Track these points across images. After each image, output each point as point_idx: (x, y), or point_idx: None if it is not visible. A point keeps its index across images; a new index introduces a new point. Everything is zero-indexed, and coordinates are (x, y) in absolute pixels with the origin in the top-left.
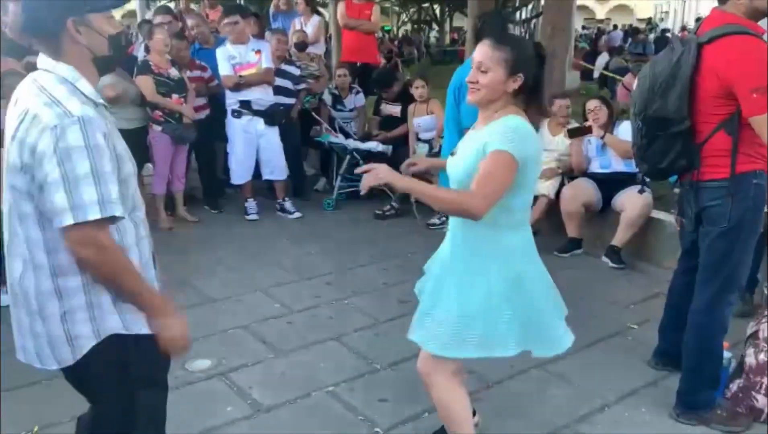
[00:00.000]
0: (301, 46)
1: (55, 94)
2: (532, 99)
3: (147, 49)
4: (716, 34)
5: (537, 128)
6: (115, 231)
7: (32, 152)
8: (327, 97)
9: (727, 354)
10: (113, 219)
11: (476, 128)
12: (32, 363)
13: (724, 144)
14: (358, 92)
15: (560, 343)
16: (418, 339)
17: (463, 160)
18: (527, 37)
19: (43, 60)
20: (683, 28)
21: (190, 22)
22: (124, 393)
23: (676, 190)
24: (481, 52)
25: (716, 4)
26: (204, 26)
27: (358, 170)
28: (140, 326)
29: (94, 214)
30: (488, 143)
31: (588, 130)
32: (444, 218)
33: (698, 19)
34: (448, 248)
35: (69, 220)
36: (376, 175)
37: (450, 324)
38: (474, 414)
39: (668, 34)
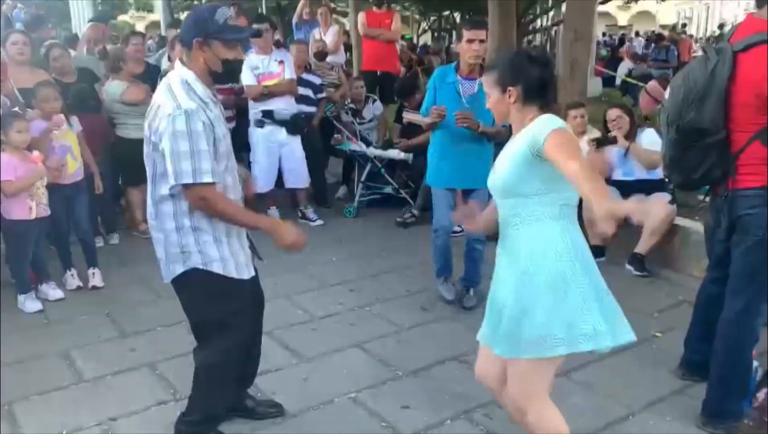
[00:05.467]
0: (321, 55)
1: (175, 91)
2: (543, 100)
3: (170, 59)
4: (751, 42)
5: None
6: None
7: (156, 131)
8: (347, 110)
9: (754, 363)
10: (203, 184)
11: (512, 140)
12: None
13: (759, 153)
14: (374, 101)
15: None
16: (508, 354)
17: (504, 167)
18: (548, 44)
19: (178, 66)
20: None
21: None
22: (205, 316)
23: (700, 197)
24: (483, 80)
25: (737, 8)
26: None
27: None
28: (217, 266)
29: (188, 180)
30: (536, 137)
31: (613, 141)
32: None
33: (721, 26)
34: (503, 261)
35: (171, 181)
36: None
37: (532, 326)
38: None
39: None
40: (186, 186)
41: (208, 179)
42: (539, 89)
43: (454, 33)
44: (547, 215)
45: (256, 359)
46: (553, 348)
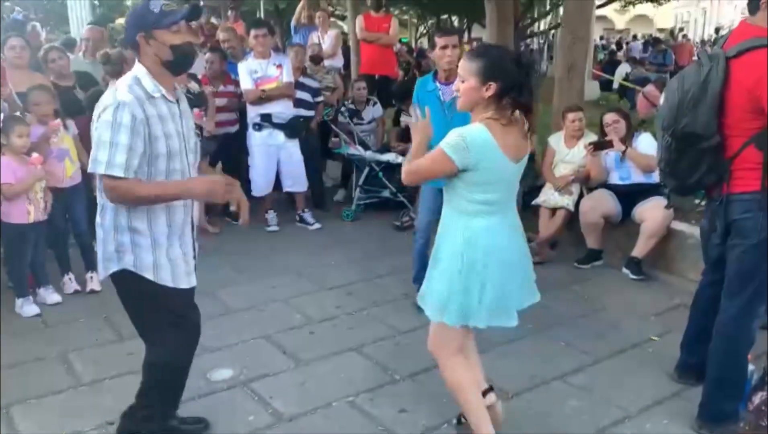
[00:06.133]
0: (316, 59)
1: (119, 86)
2: (516, 102)
3: None
4: (744, 48)
5: (531, 129)
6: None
7: (92, 123)
8: (344, 112)
9: (750, 366)
10: (112, 177)
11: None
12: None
13: (754, 157)
14: (375, 103)
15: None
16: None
17: None
18: (546, 47)
19: (135, 64)
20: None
21: (221, 36)
22: (140, 318)
23: (696, 201)
24: (461, 64)
25: (733, 12)
26: (235, 41)
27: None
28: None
29: (99, 170)
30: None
31: (610, 144)
32: None
33: (717, 30)
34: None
35: (89, 168)
36: (415, 128)
37: (433, 292)
38: (491, 389)
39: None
40: (101, 176)
41: (118, 172)
42: (515, 94)
43: None
44: (462, 207)
45: (183, 383)
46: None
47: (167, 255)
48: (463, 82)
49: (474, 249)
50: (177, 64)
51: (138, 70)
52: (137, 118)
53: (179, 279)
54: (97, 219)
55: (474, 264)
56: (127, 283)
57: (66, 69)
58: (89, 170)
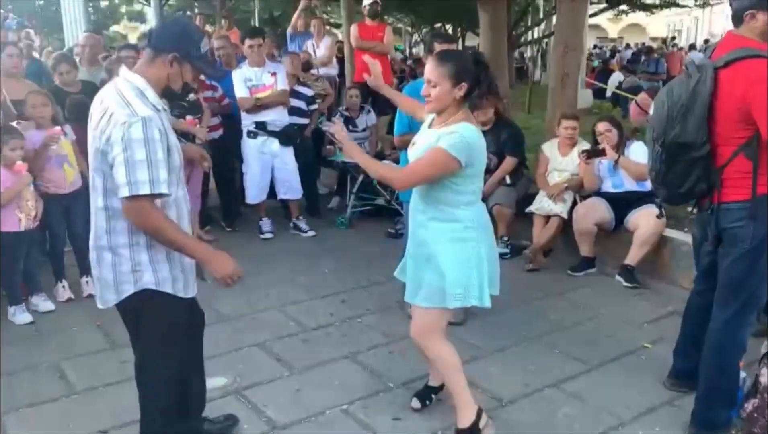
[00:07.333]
0: (305, 66)
1: (127, 98)
2: (482, 96)
3: None
4: (731, 58)
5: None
6: (168, 206)
7: (107, 140)
8: (339, 120)
9: (742, 374)
10: (161, 195)
11: (433, 126)
12: (99, 304)
13: (744, 166)
14: (369, 111)
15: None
16: (417, 302)
17: (418, 150)
18: (539, 55)
19: (125, 72)
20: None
21: (215, 43)
22: (143, 342)
23: (689, 209)
24: (429, 70)
25: (728, 22)
26: (229, 48)
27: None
28: (168, 286)
29: (145, 190)
30: (440, 140)
31: (603, 153)
32: None
33: (707, 41)
34: (418, 229)
35: (125, 192)
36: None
37: (437, 282)
38: (479, 414)
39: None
40: (134, 197)
41: (164, 189)
42: (479, 90)
43: None
44: (452, 201)
45: (202, 380)
46: (449, 301)
47: (180, 266)
48: (435, 87)
49: (473, 232)
50: (174, 95)
51: (137, 81)
52: (162, 132)
53: (189, 289)
54: (102, 241)
55: (476, 246)
56: (144, 305)
57: (74, 80)
58: (127, 194)
